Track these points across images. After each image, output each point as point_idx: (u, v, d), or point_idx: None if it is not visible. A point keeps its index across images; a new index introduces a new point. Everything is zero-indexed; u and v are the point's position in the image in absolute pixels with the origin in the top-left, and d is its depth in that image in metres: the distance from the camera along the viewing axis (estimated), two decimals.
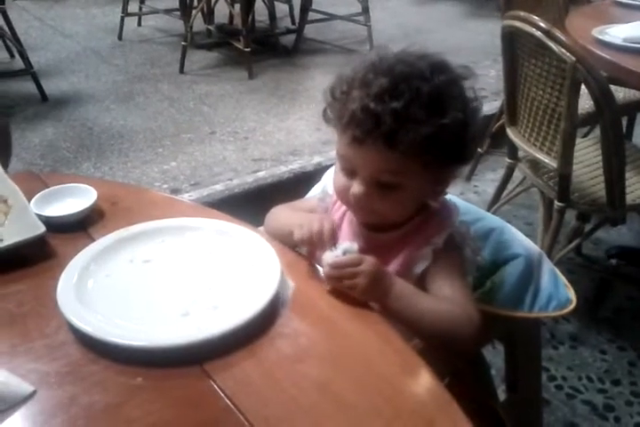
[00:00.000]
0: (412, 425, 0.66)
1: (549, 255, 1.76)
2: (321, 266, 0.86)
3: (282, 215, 1.04)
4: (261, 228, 1.10)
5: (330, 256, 0.84)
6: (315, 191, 1.17)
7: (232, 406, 0.67)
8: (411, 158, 0.84)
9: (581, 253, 2.15)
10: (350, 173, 0.89)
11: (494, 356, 1.42)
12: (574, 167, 1.68)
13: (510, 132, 1.88)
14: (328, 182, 1.05)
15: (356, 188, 0.88)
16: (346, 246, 0.85)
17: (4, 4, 3.11)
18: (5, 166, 1.43)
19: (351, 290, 0.82)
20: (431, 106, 0.82)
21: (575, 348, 1.82)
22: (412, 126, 0.81)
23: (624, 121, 2.37)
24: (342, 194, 0.92)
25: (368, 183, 0.87)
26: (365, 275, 0.81)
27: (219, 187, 2.41)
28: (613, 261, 2.14)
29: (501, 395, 1.23)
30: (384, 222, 0.95)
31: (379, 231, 0.96)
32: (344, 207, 1.00)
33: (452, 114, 0.83)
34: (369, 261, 0.83)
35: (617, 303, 1.99)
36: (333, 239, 0.88)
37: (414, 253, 0.93)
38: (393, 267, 0.93)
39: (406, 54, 0.87)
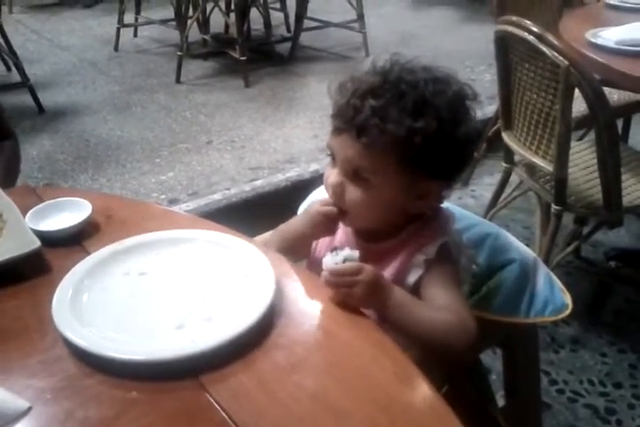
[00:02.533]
0: None
1: (548, 259, 1.76)
2: (321, 269, 0.86)
3: (280, 230, 1.05)
4: (258, 237, 1.10)
5: (330, 262, 0.84)
6: (311, 200, 1.17)
7: (228, 418, 0.67)
8: (379, 155, 0.86)
9: (580, 255, 2.14)
10: (333, 163, 0.93)
11: (494, 360, 1.42)
12: (570, 170, 1.68)
13: (506, 137, 1.88)
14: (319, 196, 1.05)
15: (332, 176, 0.92)
16: (347, 254, 0.85)
17: None
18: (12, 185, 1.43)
19: (348, 298, 0.82)
20: (410, 111, 0.84)
21: (576, 351, 1.82)
22: (380, 122, 0.84)
23: (620, 123, 2.37)
24: (326, 185, 0.95)
25: (342, 173, 0.91)
26: (363, 285, 0.81)
27: (216, 196, 2.42)
28: (612, 264, 2.14)
29: (500, 400, 1.22)
30: (362, 227, 0.96)
31: (372, 241, 0.97)
32: None
33: (426, 120, 0.84)
34: (367, 271, 0.83)
35: (617, 306, 1.98)
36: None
37: (406, 263, 0.93)
38: (386, 276, 0.92)
39: (413, 64, 0.90)
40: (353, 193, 0.90)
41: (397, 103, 0.85)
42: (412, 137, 0.84)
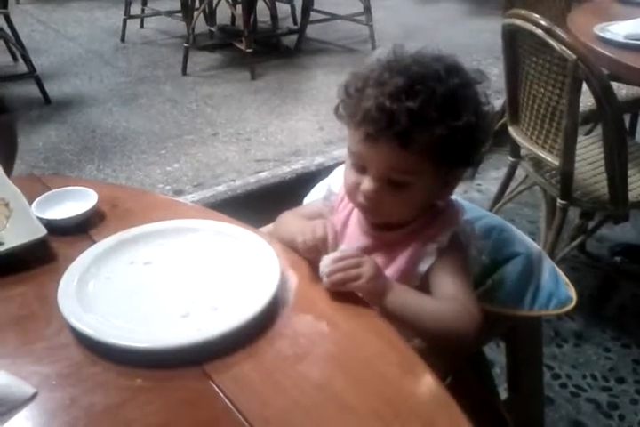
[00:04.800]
0: (410, 426, 0.66)
1: (553, 253, 1.75)
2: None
3: (287, 222, 1.04)
4: (262, 229, 1.10)
5: (329, 257, 0.84)
6: (316, 191, 1.17)
7: (232, 406, 0.67)
8: (422, 158, 0.85)
9: (585, 250, 2.14)
10: (361, 169, 0.90)
11: (499, 354, 1.42)
12: (577, 165, 1.67)
13: (512, 131, 1.88)
14: (332, 182, 1.06)
15: (367, 184, 0.88)
16: (343, 250, 0.87)
17: (6, 7, 3.13)
18: (10, 170, 1.43)
19: (356, 280, 0.82)
20: (445, 107, 0.83)
21: (579, 346, 1.82)
22: (426, 126, 0.82)
23: (627, 118, 2.36)
24: (352, 191, 0.92)
25: (379, 180, 0.88)
26: (370, 264, 0.83)
27: (221, 188, 2.42)
28: (617, 259, 2.13)
29: (503, 393, 1.23)
30: (390, 221, 0.95)
31: (385, 230, 0.97)
32: (350, 206, 1.00)
33: (466, 116, 0.84)
34: (368, 259, 0.84)
35: (621, 301, 1.98)
36: (336, 244, 0.88)
37: (419, 251, 0.93)
38: (398, 265, 0.94)
39: (421, 55, 0.89)
40: (390, 198, 0.89)
41: (431, 103, 0.82)
42: (454, 134, 0.83)
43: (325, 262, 0.84)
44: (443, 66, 0.86)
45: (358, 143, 0.88)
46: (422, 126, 0.82)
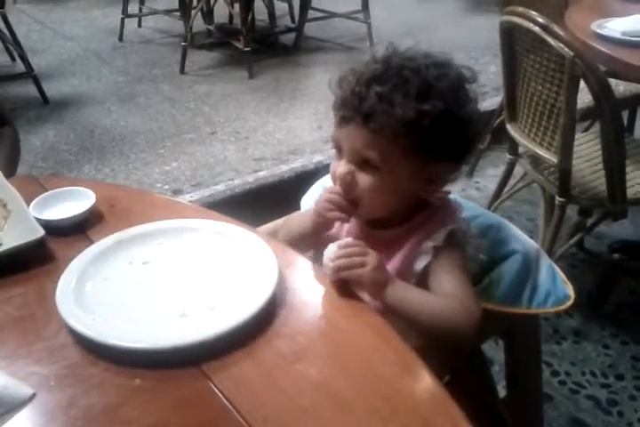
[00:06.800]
0: (408, 425, 0.66)
1: (551, 251, 1.76)
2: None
3: (293, 218, 1.06)
4: (261, 228, 1.11)
5: (332, 250, 0.85)
6: (314, 190, 1.17)
7: (230, 406, 0.68)
8: (388, 142, 0.86)
9: (584, 247, 2.14)
10: (339, 154, 0.93)
11: (497, 351, 1.42)
12: (575, 162, 1.68)
13: (510, 128, 1.88)
14: (328, 181, 1.06)
15: (340, 166, 0.91)
16: (347, 241, 0.87)
17: (3, 7, 3.12)
18: (12, 175, 1.44)
19: (360, 268, 0.82)
20: (415, 95, 0.85)
21: (578, 343, 1.82)
22: (388, 107, 0.85)
23: (625, 114, 2.36)
24: (333, 177, 0.94)
25: (350, 162, 0.90)
26: (374, 254, 0.84)
27: (220, 187, 2.42)
28: (616, 256, 2.13)
29: (502, 391, 1.23)
30: (373, 215, 0.95)
31: (380, 229, 0.97)
32: None
33: (432, 102, 0.85)
34: (372, 252, 0.85)
35: (620, 298, 1.98)
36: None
37: (414, 250, 0.93)
38: (394, 264, 0.94)
39: (412, 52, 0.91)
40: (363, 180, 0.90)
41: (402, 88, 0.85)
42: (420, 120, 0.84)
43: (331, 249, 0.85)
44: (427, 61, 0.89)
45: (335, 128, 0.92)
46: (385, 107, 0.85)
